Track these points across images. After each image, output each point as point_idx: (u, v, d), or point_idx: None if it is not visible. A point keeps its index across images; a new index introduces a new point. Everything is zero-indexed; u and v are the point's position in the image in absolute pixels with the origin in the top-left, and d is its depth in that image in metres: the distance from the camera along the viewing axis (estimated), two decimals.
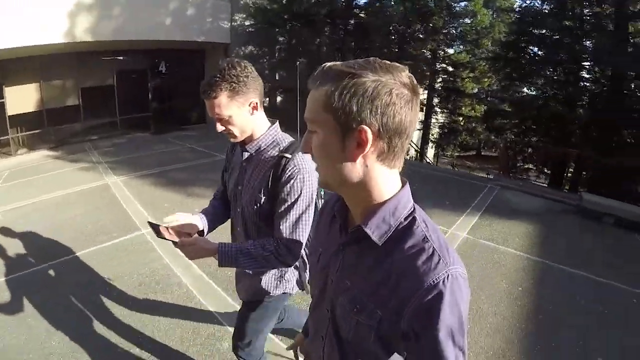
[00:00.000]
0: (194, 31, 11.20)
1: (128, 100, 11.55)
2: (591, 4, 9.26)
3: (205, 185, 6.14)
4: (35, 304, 3.05)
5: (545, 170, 10.34)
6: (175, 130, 11.74)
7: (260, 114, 1.39)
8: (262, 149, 1.40)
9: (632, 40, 8.83)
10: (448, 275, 0.64)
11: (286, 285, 1.58)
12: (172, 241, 1.30)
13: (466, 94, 15.28)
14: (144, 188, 6.18)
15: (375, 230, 0.70)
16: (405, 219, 0.71)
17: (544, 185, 8.92)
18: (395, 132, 0.65)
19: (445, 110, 16.11)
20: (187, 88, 12.53)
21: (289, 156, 1.32)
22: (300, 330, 1.38)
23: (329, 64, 0.68)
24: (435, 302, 0.63)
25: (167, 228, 1.33)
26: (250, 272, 1.53)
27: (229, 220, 1.64)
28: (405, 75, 0.65)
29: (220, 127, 1.34)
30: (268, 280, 1.55)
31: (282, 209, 1.32)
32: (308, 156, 1.28)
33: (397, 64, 0.67)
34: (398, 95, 0.63)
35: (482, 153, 21.44)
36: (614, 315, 3.16)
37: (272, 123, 1.45)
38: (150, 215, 4.91)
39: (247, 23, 12.44)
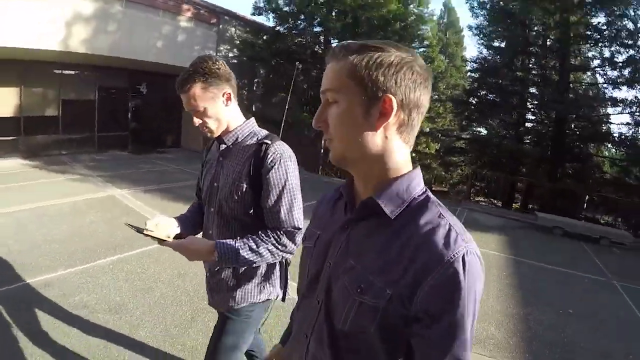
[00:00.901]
0: (182, 57, 11.66)
1: (107, 117, 11.55)
2: (537, 56, 11.36)
3: None
4: (120, 293, 3.29)
5: (495, 202, 11.99)
6: (152, 152, 11.84)
7: (235, 106, 1.39)
8: (239, 140, 1.38)
9: (572, 88, 11.02)
10: (467, 252, 0.61)
11: (270, 290, 1.48)
12: (159, 239, 1.24)
13: (421, 132, 17.19)
14: (156, 201, 6.27)
15: (388, 204, 0.68)
16: (419, 196, 0.70)
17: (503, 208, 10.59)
18: (415, 105, 0.66)
19: None
20: (166, 111, 12.86)
21: (269, 142, 1.32)
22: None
23: (347, 41, 0.69)
24: (455, 279, 0.60)
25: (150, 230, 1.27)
26: (230, 282, 1.43)
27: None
28: (420, 58, 0.68)
29: (197, 121, 1.34)
30: (250, 286, 1.44)
31: (274, 197, 1.29)
32: (285, 144, 1.35)
33: (413, 49, 0.69)
34: (418, 73, 0.66)
35: (433, 188, 23.34)
36: (575, 287, 4.62)
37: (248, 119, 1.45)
38: None
39: (230, 55, 13.25)
